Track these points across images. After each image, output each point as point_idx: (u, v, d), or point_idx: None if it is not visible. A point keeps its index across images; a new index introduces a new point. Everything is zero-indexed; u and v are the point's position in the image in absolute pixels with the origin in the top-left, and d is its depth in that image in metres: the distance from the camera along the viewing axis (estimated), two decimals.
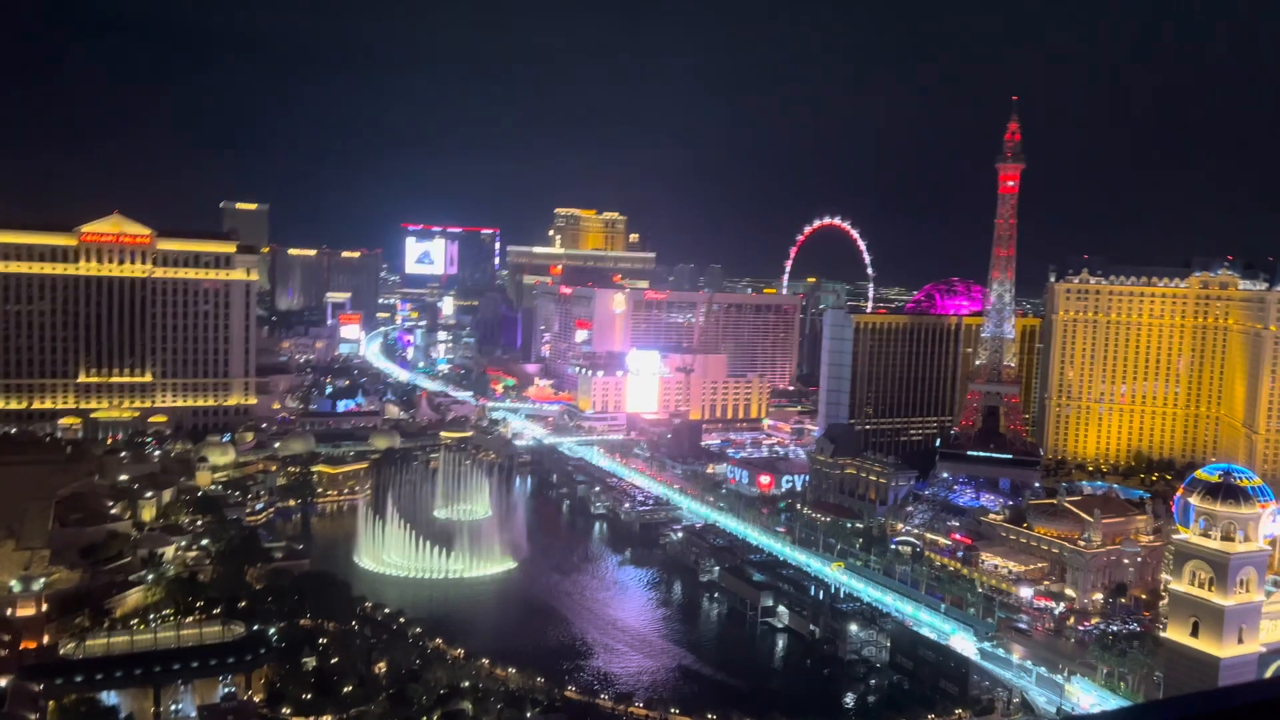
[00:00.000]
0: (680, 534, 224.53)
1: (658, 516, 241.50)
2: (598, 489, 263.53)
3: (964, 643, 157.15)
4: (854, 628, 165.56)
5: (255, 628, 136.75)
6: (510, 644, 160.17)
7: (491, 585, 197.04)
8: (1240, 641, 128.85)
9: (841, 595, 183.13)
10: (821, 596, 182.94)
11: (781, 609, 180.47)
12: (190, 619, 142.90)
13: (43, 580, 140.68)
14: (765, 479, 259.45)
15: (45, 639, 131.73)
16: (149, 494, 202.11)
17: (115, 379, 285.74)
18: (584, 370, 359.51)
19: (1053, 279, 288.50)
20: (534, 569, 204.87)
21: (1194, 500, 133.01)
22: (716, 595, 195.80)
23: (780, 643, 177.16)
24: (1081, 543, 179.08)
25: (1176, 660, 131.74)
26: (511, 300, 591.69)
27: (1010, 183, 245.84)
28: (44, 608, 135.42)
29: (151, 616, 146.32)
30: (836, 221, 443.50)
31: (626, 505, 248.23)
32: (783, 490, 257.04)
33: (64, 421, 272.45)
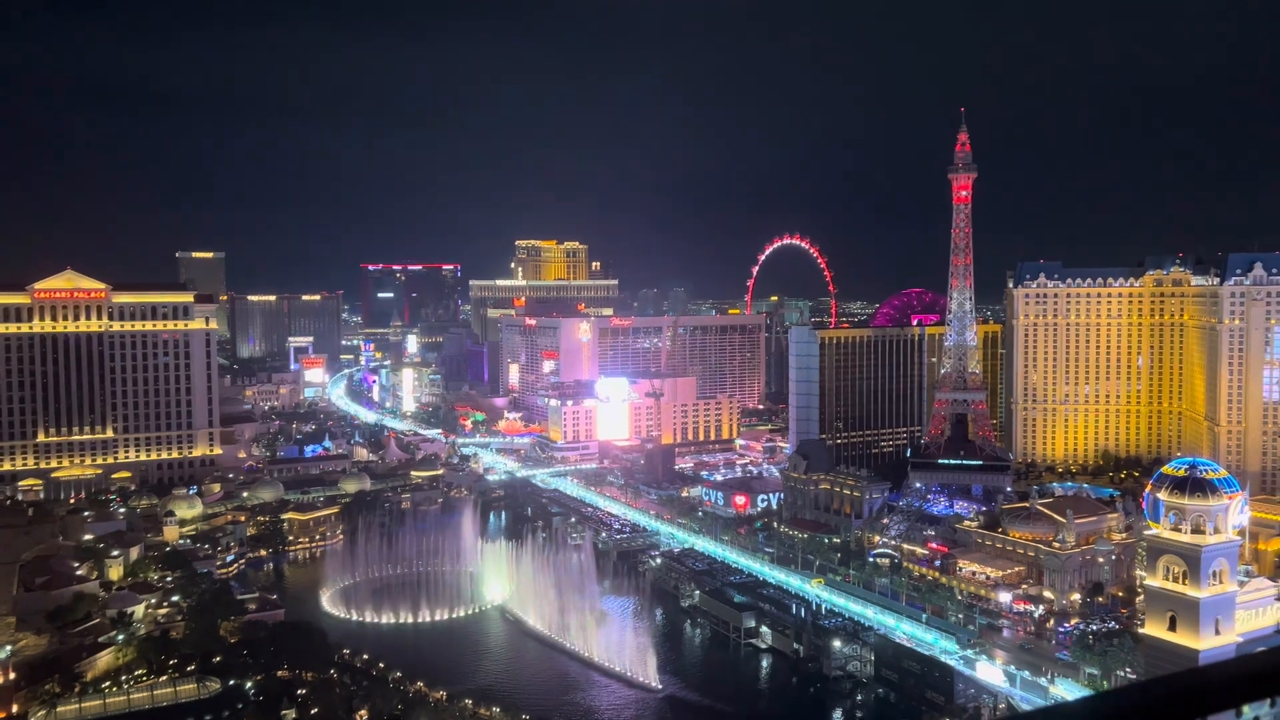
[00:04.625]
0: (659, 560, 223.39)
1: (635, 544, 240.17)
2: (573, 519, 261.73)
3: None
4: (837, 643, 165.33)
5: (231, 683, 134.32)
6: (493, 683, 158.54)
7: (480, 623, 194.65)
8: (1218, 633, 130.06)
9: (823, 611, 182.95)
10: (803, 614, 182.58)
11: (764, 629, 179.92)
12: (164, 678, 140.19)
13: (9, 648, 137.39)
14: (740, 499, 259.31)
15: (15, 708, 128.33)
16: (115, 552, 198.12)
17: (76, 436, 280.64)
18: (553, 401, 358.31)
19: (1011, 284, 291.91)
20: (515, 605, 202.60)
21: (1162, 495, 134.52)
22: (699, 619, 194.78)
23: (765, 663, 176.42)
24: (1056, 544, 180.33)
25: (1156, 655, 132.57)
26: (476, 335, 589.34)
27: (963, 192, 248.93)
28: (12, 676, 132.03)
29: (124, 678, 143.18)
30: (795, 239, 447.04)
31: (603, 534, 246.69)
32: (759, 509, 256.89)
33: (24, 483, 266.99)
